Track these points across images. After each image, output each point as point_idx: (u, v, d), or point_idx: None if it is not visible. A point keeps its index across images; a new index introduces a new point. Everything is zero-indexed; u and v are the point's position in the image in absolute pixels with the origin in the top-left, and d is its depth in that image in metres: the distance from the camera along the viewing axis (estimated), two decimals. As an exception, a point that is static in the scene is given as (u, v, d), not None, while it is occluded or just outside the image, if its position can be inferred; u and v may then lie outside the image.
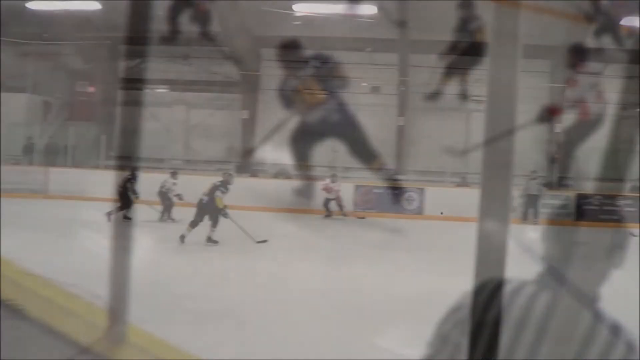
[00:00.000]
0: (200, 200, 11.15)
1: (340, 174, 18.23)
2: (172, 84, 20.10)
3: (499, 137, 1.33)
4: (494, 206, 1.30)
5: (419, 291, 7.77)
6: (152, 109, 21.02)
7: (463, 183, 17.76)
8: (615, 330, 1.46)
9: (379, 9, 15.99)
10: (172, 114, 21.36)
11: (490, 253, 1.29)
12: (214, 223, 10.93)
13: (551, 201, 17.33)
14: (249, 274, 8.83)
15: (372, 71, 19.57)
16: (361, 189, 17.57)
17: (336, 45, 18.38)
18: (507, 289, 1.50)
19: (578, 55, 17.07)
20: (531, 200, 16.96)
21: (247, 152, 18.40)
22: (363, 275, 8.91)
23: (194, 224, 11.00)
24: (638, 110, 14.88)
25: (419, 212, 17.30)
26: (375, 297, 7.41)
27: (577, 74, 17.86)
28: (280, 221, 14.86)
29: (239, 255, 10.36)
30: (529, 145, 19.21)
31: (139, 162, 14.48)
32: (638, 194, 17.85)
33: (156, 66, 20.18)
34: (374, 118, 19.94)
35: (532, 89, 19.23)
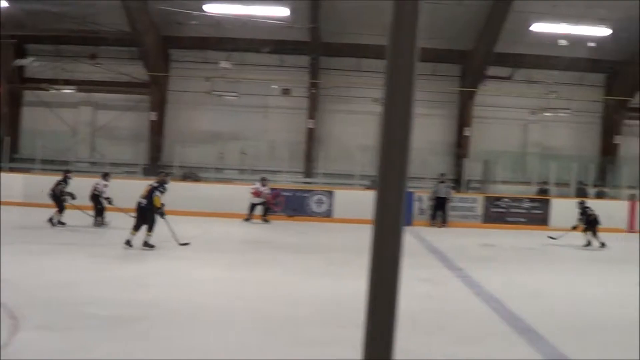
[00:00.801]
0: (139, 203, 10.78)
1: (249, 177, 17.90)
2: (79, 84, 19.17)
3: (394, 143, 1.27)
4: (388, 210, 1.26)
5: (325, 293, 7.92)
6: (57, 109, 20.08)
7: (372, 186, 17.88)
8: None
9: (291, 11, 15.77)
10: (78, 115, 20.36)
11: (384, 256, 1.28)
12: (150, 227, 10.65)
13: (460, 204, 17.68)
14: (166, 277, 8.69)
15: (282, 73, 19.34)
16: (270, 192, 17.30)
17: (247, 47, 18.11)
18: None
19: (487, 60, 17.50)
20: (440, 203, 17.22)
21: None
22: (272, 279, 8.99)
23: (136, 227, 10.70)
24: (545, 114, 15.39)
25: (328, 215, 17.21)
26: (280, 300, 7.50)
27: (486, 77, 18.41)
28: (207, 224, 14.81)
29: (159, 259, 10.08)
30: (438, 149, 19.58)
31: (70, 166, 14.37)
32: (545, 196, 18.61)
33: (62, 66, 19.21)
34: (285, 121, 19.77)
35: (442, 93, 19.62)
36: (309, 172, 19.37)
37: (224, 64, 17.26)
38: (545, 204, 18.17)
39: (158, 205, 10.65)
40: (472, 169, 19.30)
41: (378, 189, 1.26)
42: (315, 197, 17.04)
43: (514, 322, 7.28)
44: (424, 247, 13.50)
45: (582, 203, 14.78)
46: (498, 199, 18.01)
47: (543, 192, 18.91)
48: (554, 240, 14.73)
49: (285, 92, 19.16)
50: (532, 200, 18.25)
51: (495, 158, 18.97)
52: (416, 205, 17.39)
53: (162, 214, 10.69)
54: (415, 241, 14.25)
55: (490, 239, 14.94)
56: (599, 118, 21.26)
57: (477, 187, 19.75)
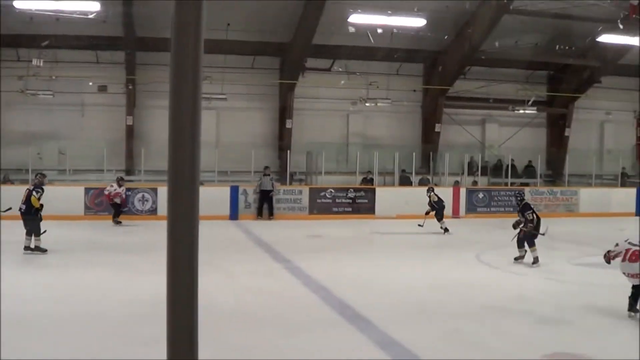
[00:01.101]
0: (20, 209, 14.40)
1: (70, 178, 22.48)
2: None
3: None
4: (182, 206, 1.60)
5: (158, 291, 12.17)
6: None
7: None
8: None
9: (103, 6, 20.40)
10: None
11: (181, 253, 1.63)
12: (32, 231, 14.22)
13: (285, 196, 23.54)
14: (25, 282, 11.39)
15: (98, 70, 24.15)
16: (92, 192, 21.86)
17: (60, 44, 22.67)
18: None
19: (305, 52, 24.09)
20: (265, 196, 22.91)
21: None
22: (102, 280, 11.88)
23: (28, 232, 14.30)
24: (366, 105, 22.84)
25: (153, 212, 22.16)
26: (113, 301, 9.99)
27: (305, 69, 25.56)
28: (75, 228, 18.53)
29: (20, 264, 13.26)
30: (261, 142, 25.61)
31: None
32: (370, 186, 24.91)
33: None
34: (103, 118, 24.60)
35: (262, 85, 25.69)
36: (130, 170, 24.34)
37: (36, 62, 21.75)
38: (370, 193, 24.75)
39: (36, 205, 14.28)
40: (296, 161, 25.47)
41: (170, 186, 1.61)
42: (139, 195, 21.98)
43: (344, 311, 9.79)
44: (252, 241, 18.14)
45: (431, 190, 20.68)
46: (323, 190, 24.24)
47: (367, 181, 25.56)
48: (421, 227, 19.61)
49: (102, 88, 24.02)
50: (357, 190, 24.79)
51: (318, 149, 25.29)
52: (242, 199, 23.00)
53: (39, 215, 14.09)
54: (243, 235, 19.14)
55: (317, 230, 20.10)
56: (419, 107, 28.67)
57: (302, 178, 26.02)
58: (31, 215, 14.35)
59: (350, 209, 24.48)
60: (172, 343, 1.60)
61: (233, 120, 26.13)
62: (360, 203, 24.65)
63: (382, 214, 24.21)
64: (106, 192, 20.87)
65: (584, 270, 14.12)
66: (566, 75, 29.92)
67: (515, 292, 11.53)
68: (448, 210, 24.13)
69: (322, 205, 24.20)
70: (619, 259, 9.91)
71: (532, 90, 29.35)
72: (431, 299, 10.90)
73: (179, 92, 1.57)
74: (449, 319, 9.52)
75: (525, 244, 14.53)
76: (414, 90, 28.48)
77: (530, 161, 29.76)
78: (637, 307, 9.53)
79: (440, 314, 9.85)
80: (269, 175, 23.50)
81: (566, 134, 30.65)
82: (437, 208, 20.35)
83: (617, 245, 10.14)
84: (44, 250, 14.37)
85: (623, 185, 29.69)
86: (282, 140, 26.35)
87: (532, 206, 15.59)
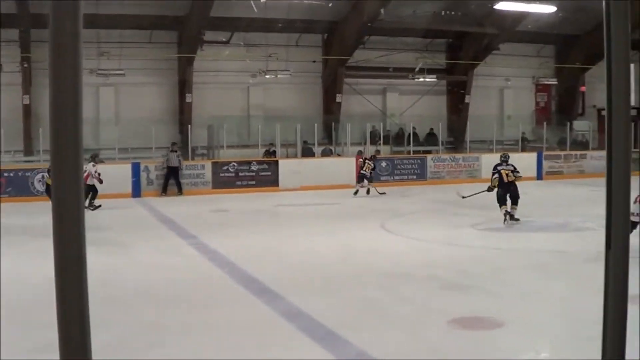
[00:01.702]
0: None
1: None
2: None
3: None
4: (66, 186, 1.63)
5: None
6: None
7: (99, 160, 24.31)
8: None
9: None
10: None
11: (68, 236, 1.66)
12: None
13: (188, 171, 25.22)
14: None
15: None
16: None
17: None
18: None
19: (203, 24, 25.66)
20: (172, 172, 24.50)
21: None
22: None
23: None
24: (266, 77, 24.63)
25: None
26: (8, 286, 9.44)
27: (204, 43, 27.35)
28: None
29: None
30: (160, 117, 27.18)
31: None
32: (273, 159, 26.78)
33: None
34: (-2, 98, 25.64)
35: (160, 60, 27.23)
36: (29, 151, 25.54)
37: None
38: (273, 165, 26.75)
39: None
40: (197, 136, 27.31)
41: (53, 166, 1.65)
42: (38, 176, 23.23)
43: (250, 284, 10.34)
44: (156, 218, 19.12)
45: (373, 157, 23.32)
46: (226, 164, 26.09)
47: (270, 154, 27.53)
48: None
49: (-4, 68, 25.01)
50: (260, 162, 26.76)
51: (219, 123, 27.09)
52: (144, 176, 24.53)
53: None
54: (147, 212, 20.40)
55: (221, 205, 21.56)
56: (319, 78, 30.83)
57: (204, 153, 27.82)
58: None
59: (253, 182, 26.44)
60: (64, 329, 1.68)
61: (132, 96, 27.76)
62: (263, 176, 26.58)
63: (285, 186, 26.14)
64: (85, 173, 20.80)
65: (488, 235, 15.47)
66: (465, 43, 32.87)
67: (421, 259, 12.41)
68: (351, 179, 26.34)
69: (225, 180, 26.10)
70: None
71: (431, 59, 31.94)
72: (337, 268, 11.68)
73: (58, 70, 1.65)
74: (356, 288, 10.21)
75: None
76: (314, 61, 30.87)
77: (431, 129, 32.45)
78: None
79: (347, 283, 10.50)
80: (175, 151, 25.19)
81: (466, 100, 33.63)
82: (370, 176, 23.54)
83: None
84: None
85: (523, 150, 32.56)
86: (183, 114, 28.19)
87: (497, 169, 17.12)
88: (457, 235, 15.16)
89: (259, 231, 16.43)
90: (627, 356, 6.75)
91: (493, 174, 17.15)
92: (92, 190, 20.33)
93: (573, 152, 32.82)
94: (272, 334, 8.00)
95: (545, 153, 31.77)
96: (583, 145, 34.44)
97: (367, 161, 23.97)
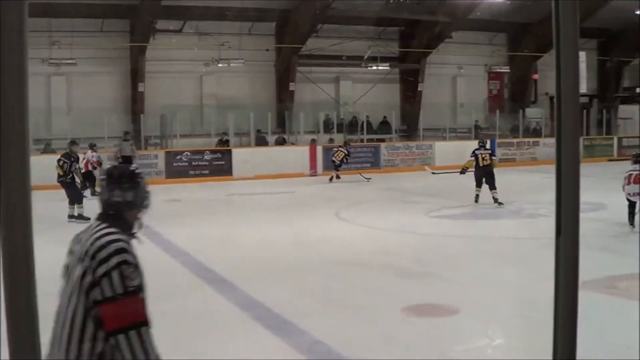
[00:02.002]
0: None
1: None
2: None
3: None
4: (13, 181, 1.68)
5: None
6: None
7: (49, 150, 24.29)
8: None
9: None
10: None
11: (16, 231, 1.70)
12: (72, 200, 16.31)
13: (141, 161, 25.30)
14: None
15: None
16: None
17: None
18: None
19: (155, 13, 25.82)
20: (125, 162, 24.60)
21: None
22: None
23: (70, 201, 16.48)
24: (219, 65, 24.94)
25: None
26: None
27: (156, 31, 27.49)
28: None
29: None
30: (113, 107, 27.23)
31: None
32: (226, 148, 27.03)
33: None
34: None
35: (112, 49, 27.26)
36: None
37: None
38: (227, 154, 26.97)
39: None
40: (150, 125, 27.34)
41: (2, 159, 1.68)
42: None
43: (205, 274, 10.45)
44: None
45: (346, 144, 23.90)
46: (179, 153, 26.26)
47: (223, 143, 27.74)
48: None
49: None
50: (213, 152, 26.93)
51: (172, 112, 27.21)
52: (97, 166, 24.61)
53: None
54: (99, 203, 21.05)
55: (175, 194, 21.53)
56: (272, 66, 31.05)
57: (157, 142, 27.91)
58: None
59: (207, 172, 26.71)
60: (13, 328, 1.71)
61: (84, 86, 27.65)
62: (217, 165, 26.83)
63: (239, 175, 26.42)
64: (83, 161, 21.03)
65: (442, 222, 15.72)
66: (417, 31, 33.34)
67: (376, 247, 12.55)
68: (305, 168, 26.65)
69: (178, 169, 26.33)
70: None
71: (384, 47, 32.35)
72: (292, 257, 11.86)
73: (4, 62, 1.68)
74: (311, 276, 10.42)
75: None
76: (267, 50, 31.07)
77: (385, 117, 33.06)
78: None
79: (302, 272, 10.69)
80: (129, 140, 25.39)
81: (419, 89, 34.11)
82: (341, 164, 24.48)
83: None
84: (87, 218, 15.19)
85: (476, 137, 33.13)
86: (135, 104, 28.17)
87: (476, 153, 17.99)
88: (411, 223, 15.39)
89: (213, 221, 16.62)
90: (490, 304, 8.55)
91: (470, 157, 18.03)
92: (91, 178, 20.72)
93: (526, 140, 33.78)
94: (227, 323, 8.04)
95: (498, 140, 32.42)
96: (536, 132, 35.25)
97: (339, 149, 24.40)
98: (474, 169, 17.94)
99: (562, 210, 2.10)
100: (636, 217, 13.18)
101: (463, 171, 18.35)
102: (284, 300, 8.87)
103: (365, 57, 31.71)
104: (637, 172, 13.17)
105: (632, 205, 13.27)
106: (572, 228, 2.11)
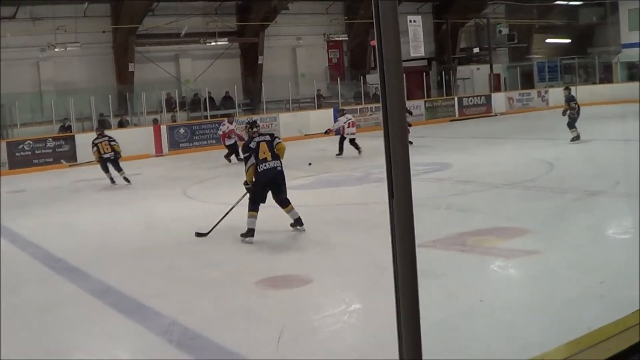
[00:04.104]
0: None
1: None
2: None
3: None
4: None
5: None
6: None
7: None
8: None
9: None
10: None
11: None
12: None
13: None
14: None
15: None
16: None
17: None
18: None
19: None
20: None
21: None
22: None
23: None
24: (56, 50, 26.79)
25: None
26: None
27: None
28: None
29: None
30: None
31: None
32: (69, 134, 28.40)
33: None
34: None
35: None
36: None
37: None
38: (70, 141, 28.41)
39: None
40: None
41: None
42: None
43: (55, 263, 10.68)
44: None
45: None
46: (21, 142, 27.55)
47: (65, 129, 29.22)
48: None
49: None
50: (55, 139, 28.36)
51: (10, 101, 28.35)
52: None
53: None
54: None
55: (18, 185, 22.30)
56: (110, 48, 32.66)
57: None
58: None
59: (51, 160, 28.03)
60: None
61: None
62: (60, 152, 28.22)
63: (83, 159, 27.77)
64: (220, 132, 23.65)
65: (292, 193, 15.02)
66: (254, 5, 35.73)
67: (224, 223, 12.11)
68: (150, 149, 28.43)
69: (21, 159, 27.58)
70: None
71: (221, 22, 34.43)
72: (143, 239, 12.36)
73: None
74: (164, 257, 10.76)
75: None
76: (103, 32, 32.74)
77: (227, 92, 35.14)
78: None
79: (152, 253, 11.09)
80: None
81: (259, 62, 36.31)
82: None
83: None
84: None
85: (319, 107, 35.69)
86: (-30, 94, 29.09)
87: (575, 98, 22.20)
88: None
89: (59, 209, 17.26)
90: (343, 271, 9.32)
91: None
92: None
93: (368, 105, 36.51)
94: (81, 312, 8.24)
95: (341, 108, 34.83)
96: (377, 98, 37.91)
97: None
98: None
99: (392, 173, 2.13)
100: None
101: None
102: (139, 283, 9.22)
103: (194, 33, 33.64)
104: None
105: None
106: (404, 190, 2.10)
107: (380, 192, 3.29)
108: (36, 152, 27.95)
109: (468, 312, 6.97)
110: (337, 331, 7.10)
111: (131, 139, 29.16)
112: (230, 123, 25.07)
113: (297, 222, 11.71)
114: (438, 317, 6.16)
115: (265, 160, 11.34)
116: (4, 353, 6.41)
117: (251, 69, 36.82)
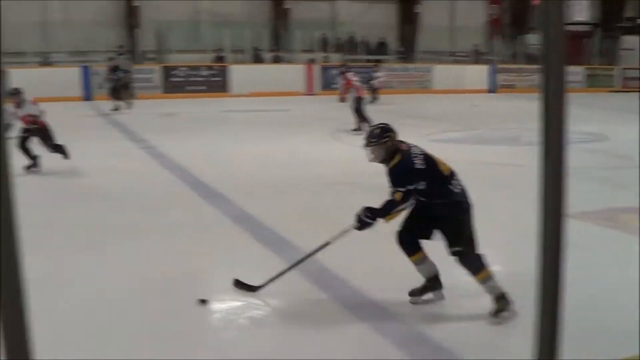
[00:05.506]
0: None
1: None
2: None
3: None
4: None
5: None
6: None
7: (47, 62, 26.14)
8: None
9: None
10: None
11: None
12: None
13: (137, 75, 27.26)
14: None
15: None
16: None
17: None
18: None
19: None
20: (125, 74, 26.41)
21: None
22: None
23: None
24: None
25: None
26: None
27: None
28: None
29: None
30: (107, 21, 28.98)
31: None
32: (223, 64, 29.05)
33: None
34: None
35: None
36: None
37: None
38: (223, 71, 29.03)
39: None
40: (146, 40, 29.40)
41: None
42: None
43: (200, 189, 10.95)
44: (106, 121, 20.67)
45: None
46: (175, 68, 28.32)
47: (219, 59, 29.84)
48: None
49: None
50: (209, 68, 29.01)
51: (168, 28, 29.14)
52: (94, 80, 26.55)
53: None
54: (97, 116, 22.07)
55: (171, 109, 23.18)
56: (269, -16, 33.03)
57: (153, 57, 29.97)
58: None
59: (204, 87, 28.89)
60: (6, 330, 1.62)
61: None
62: (213, 81, 28.94)
63: (237, 92, 28.48)
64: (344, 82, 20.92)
65: (439, 145, 15.03)
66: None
67: (368, 169, 9.86)
68: (301, 87, 28.76)
69: (175, 84, 28.55)
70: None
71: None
72: (285, 175, 12.35)
73: None
74: (302, 194, 10.85)
75: None
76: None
77: (382, 37, 34.92)
78: None
79: (293, 190, 11.15)
80: (123, 54, 27.24)
81: (416, 10, 35.93)
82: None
83: None
84: None
85: (476, 62, 35.24)
86: (131, 18, 30.14)
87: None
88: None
89: (209, 136, 17.54)
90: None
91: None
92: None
93: (526, 66, 35.59)
94: (220, 236, 8.38)
95: (498, 66, 34.53)
96: (536, 59, 36.95)
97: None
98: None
99: (547, 139, 2.00)
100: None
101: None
102: (276, 216, 9.17)
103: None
104: None
105: None
106: (558, 157, 2.01)
107: (531, 155, 3.15)
108: (190, 79, 28.77)
109: (607, 291, 6.36)
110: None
111: (283, 75, 29.74)
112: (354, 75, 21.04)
113: None
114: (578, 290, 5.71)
115: (454, 175, 6.45)
116: (153, 274, 6.71)
117: (408, 16, 36.52)
